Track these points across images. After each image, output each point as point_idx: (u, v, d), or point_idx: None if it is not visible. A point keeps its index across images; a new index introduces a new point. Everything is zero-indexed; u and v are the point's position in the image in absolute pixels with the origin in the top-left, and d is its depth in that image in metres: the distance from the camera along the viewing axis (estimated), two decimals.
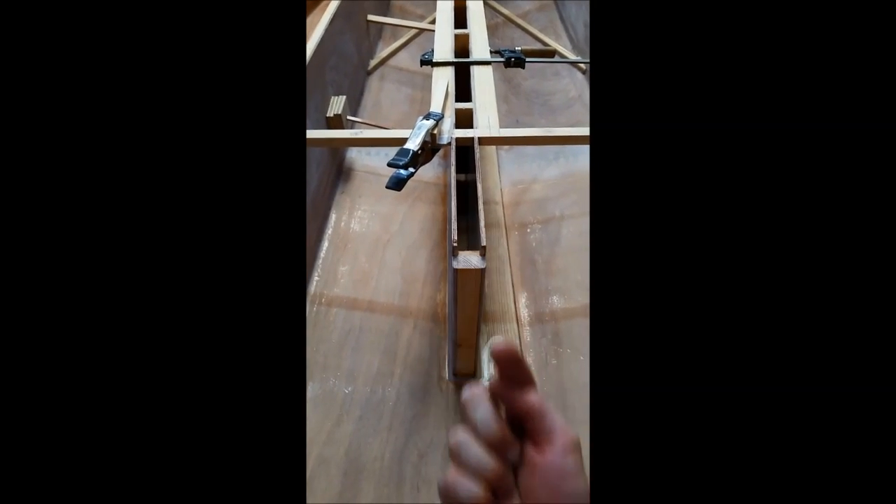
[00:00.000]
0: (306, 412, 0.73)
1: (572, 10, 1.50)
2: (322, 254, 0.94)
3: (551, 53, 1.18)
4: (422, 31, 1.34)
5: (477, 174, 0.66)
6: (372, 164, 1.14)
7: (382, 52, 1.38)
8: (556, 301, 0.89)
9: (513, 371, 0.30)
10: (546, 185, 1.13)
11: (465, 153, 0.75)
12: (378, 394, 0.76)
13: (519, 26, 1.48)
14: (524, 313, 0.89)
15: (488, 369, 0.87)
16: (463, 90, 0.88)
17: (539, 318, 0.87)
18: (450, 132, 0.71)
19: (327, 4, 1.15)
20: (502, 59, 0.94)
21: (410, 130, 0.71)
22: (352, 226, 1.00)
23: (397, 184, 0.62)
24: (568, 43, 1.51)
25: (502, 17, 1.55)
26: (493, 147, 1.19)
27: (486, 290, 0.88)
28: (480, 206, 0.62)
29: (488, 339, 0.84)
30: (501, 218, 1.05)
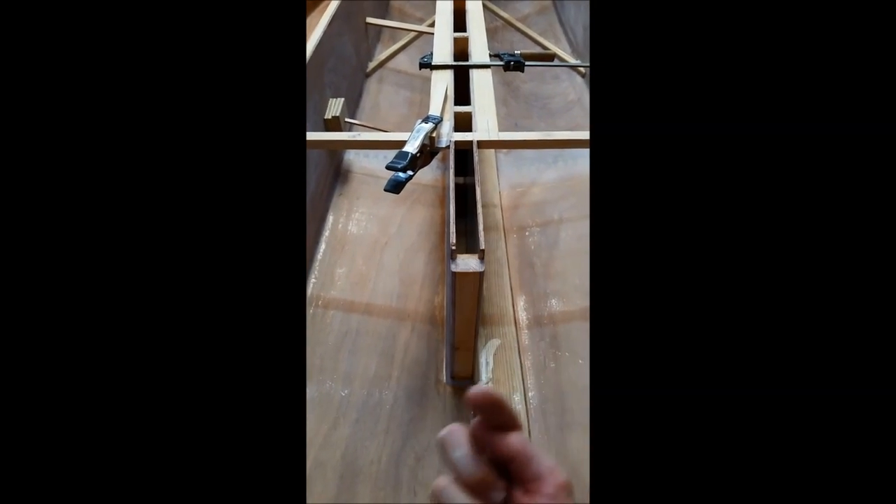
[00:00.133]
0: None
1: (571, 14, 1.51)
2: (319, 256, 0.93)
3: (550, 57, 1.18)
4: (420, 33, 1.35)
5: (476, 177, 0.66)
6: (370, 166, 1.14)
7: (381, 55, 1.38)
8: (555, 304, 0.89)
9: (495, 417, 0.28)
10: (545, 188, 1.14)
11: (464, 156, 0.75)
12: (375, 397, 0.75)
13: (518, 30, 1.49)
14: (522, 316, 0.89)
15: (486, 372, 0.86)
16: (462, 93, 0.88)
17: (537, 322, 0.87)
18: (448, 135, 0.71)
19: (326, 5, 1.15)
20: (501, 63, 0.94)
21: (409, 133, 0.71)
22: (349, 228, 1.00)
23: (395, 186, 0.62)
24: (567, 46, 1.51)
25: (501, 21, 1.56)
26: (492, 150, 1.19)
27: (485, 293, 0.88)
28: (479, 210, 0.62)
29: (486, 343, 0.84)
30: (500, 221, 1.05)
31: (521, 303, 0.91)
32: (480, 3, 1.20)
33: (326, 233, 0.97)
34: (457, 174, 0.69)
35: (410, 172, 0.62)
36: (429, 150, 0.67)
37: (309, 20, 1.28)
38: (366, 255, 0.96)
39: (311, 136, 0.72)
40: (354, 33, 1.27)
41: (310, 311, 0.85)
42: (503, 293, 0.91)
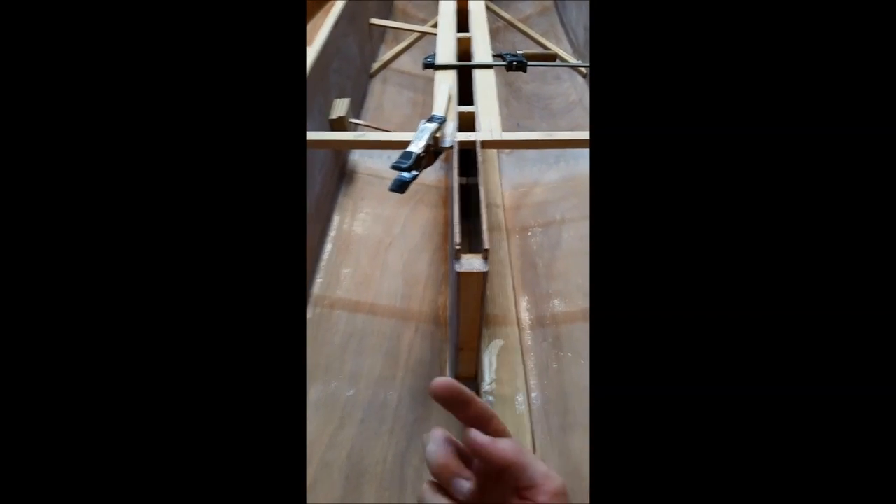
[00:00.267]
0: (308, 415, 0.73)
1: (573, 14, 1.51)
2: (325, 256, 0.94)
3: (552, 57, 1.18)
4: (424, 34, 1.35)
5: (479, 177, 0.66)
6: (374, 166, 1.14)
7: (385, 56, 1.38)
8: (557, 305, 0.89)
9: (462, 409, 0.28)
10: (547, 188, 1.14)
11: (467, 156, 0.75)
12: (380, 397, 0.76)
13: (520, 30, 1.49)
14: (525, 317, 0.89)
15: (490, 373, 0.86)
16: (465, 93, 0.89)
17: (540, 322, 0.87)
18: (452, 135, 0.71)
19: (331, 6, 1.15)
20: (504, 63, 0.94)
21: (413, 133, 0.71)
22: (354, 228, 1.00)
23: (400, 186, 0.62)
24: (569, 47, 1.51)
25: (503, 21, 1.56)
26: (495, 150, 1.19)
27: (488, 293, 0.88)
28: (483, 210, 0.62)
29: (489, 343, 0.85)
30: (502, 221, 1.06)
31: (523, 303, 0.91)
32: (483, 3, 1.20)
33: (332, 233, 0.97)
34: (460, 174, 0.69)
35: (415, 172, 0.63)
36: (433, 149, 0.68)
37: (314, 21, 1.29)
38: (370, 256, 0.96)
39: (317, 135, 0.73)
40: (359, 34, 1.27)
41: (316, 311, 0.86)
42: (506, 294, 0.91)
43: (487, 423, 0.29)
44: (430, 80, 1.47)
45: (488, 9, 1.42)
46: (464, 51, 1.00)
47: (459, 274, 0.58)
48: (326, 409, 0.74)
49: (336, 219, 1.00)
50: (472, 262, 0.58)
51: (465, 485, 0.27)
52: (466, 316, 0.65)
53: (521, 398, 0.76)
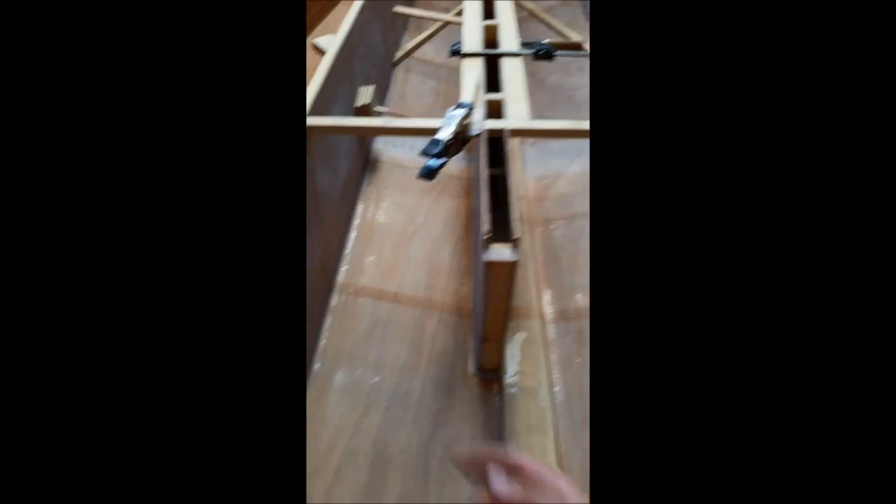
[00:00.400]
0: (334, 401, 0.73)
1: None
2: (350, 243, 0.94)
3: (578, 47, 1.16)
4: (447, 23, 1.33)
5: (508, 165, 0.65)
6: (398, 155, 1.14)
7: (408, 44, 1.37)
8: (581, 299, 0.88)
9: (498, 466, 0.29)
10: (570, 180, 1.12)
11: (494, 146, 0.74)
12: (404, 386, 0.76)
13: (543, 21, 1.46)
14: (548, 310, 0.88)
15: (513, 365, 0.85)
16: (490, 82, 0.87)
17: (563, 316, 0.86)
18: (480, 123, 0.70)
19: None
20: (532, 52, 0.93)
21: (439, 120, 0.70)
22: (378, 217, 1.00)
23: (429, 173, 0.61)
24: None
25: (526, 11, 1.53)
26: (517, 141, 1.17)
27: None
28: (512, 198, 0.61)
29: (512, 336, 0.84)
30: (525, 213, 1.04)
31: (546, 297, 0.90)
32: None
33: (357, 220, 0.97)
34: (479, 164, 0.68)
35: (444, 159, 0.62)
36: (461, 137, 0.67)
37: (339, 7, 1.28)
38: (394, 245, 0.96)
39: (345, 121, 0.72)
40: (383, 22, 1.26)
41: (341, 298, 0.86)
42: (528, 287, 0.90)
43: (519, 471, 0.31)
44: (453, 70, 1.46)
45: None
46: (489, 39, 0.99)
47: (488, 263, 0.57)
48: (352, 396, 0.74)
49: (360, 207, 1.00)
50: (501, 252, 0.57)
51: None
52: (494, 306, 0.64)
53: (544, 391, 0.75)
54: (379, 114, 0.98)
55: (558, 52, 0.95)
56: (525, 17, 1.60)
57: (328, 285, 0.87)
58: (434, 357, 0.80)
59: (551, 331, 0.85)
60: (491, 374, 0.78)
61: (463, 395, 0.76)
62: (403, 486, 0.66)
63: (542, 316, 0.86)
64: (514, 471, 0.30)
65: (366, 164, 1.09)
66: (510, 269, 0.58)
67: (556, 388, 0.77)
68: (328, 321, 0.83)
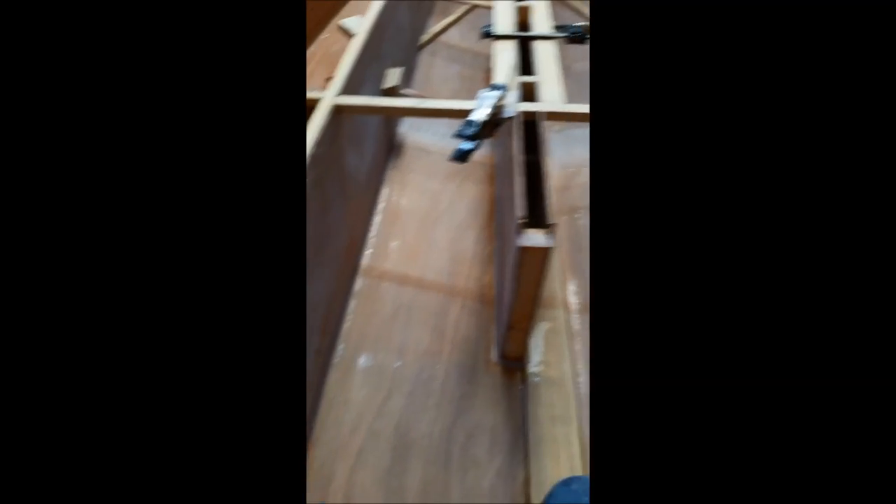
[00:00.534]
0: (357, 382, 0.73)
1: None
2: (375, 227, 0.93)
3: None
4: (474, 6, 1.31)
5: (542, 148, 0.63)
6: (422, 140, 1.12)
7: (434, 28, 1.35)
8: None
9: None
10: None
11: (527, 130, 0.72)
12: (427, 371, 0.75)
13: (570, 6, 1.42)
14: (573, 300, 0.86)
15: (537, 354, 0.84)
16: (521, 65, 0.85)
17: (588, 307, 0.85)
18: (515, 105, 0.68)
19: None
20: (566, 35, 0.90)
21: (470, 102, 0.68)
22: (402, 201, 0.99)
23: (461, 156, 0.60)
24: None
25: None
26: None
27: None
28: (547, 182, 0.59)
29: (537, 325, 0.83)
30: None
31: (571, 287, 0.88)
32: None
33: (382, 204, 0.96)
34: (511, 148, 0.67)
35: (477, 142, 0.60)
36: (494, 119, 0.65)
37: None
38: (417, 230, 0.95)
39: (374, 101, 0.71)
40: (409, 5, 1.24)
41: (365, 281, 0.85)
42: (553, 276, 0.88)
43: None
44: (478, 55, 1.43)
45: None
46: (522, 21, 0.96)
47: (522, 249, 0.56)
48: (375, 379, 0.73)
49: (385, 190, 0.99)
50: (536, 238, 0.56)
51: None
52: (524, 293, 0.63)
53: (568, 382, 0.74)
54: (406, 96, 0.97)
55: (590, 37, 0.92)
56: (553, 2, 1.57)
57: (353, 269, 0.86)
58: (457, 343, 0.80)
59: (576, 321, 0.83)
60: (514, 363, 0.77)
61: (486, 383, 0.75)
62: (425, 472, 0.66)
63: (566, 306, 0.85)
64: None
65: (391, 147, 1.08)
66: (544, 255, 0.57)
67: (580, 379, 0.76)
68: (352, 304, 0.82)
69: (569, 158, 1.14)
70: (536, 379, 0.75)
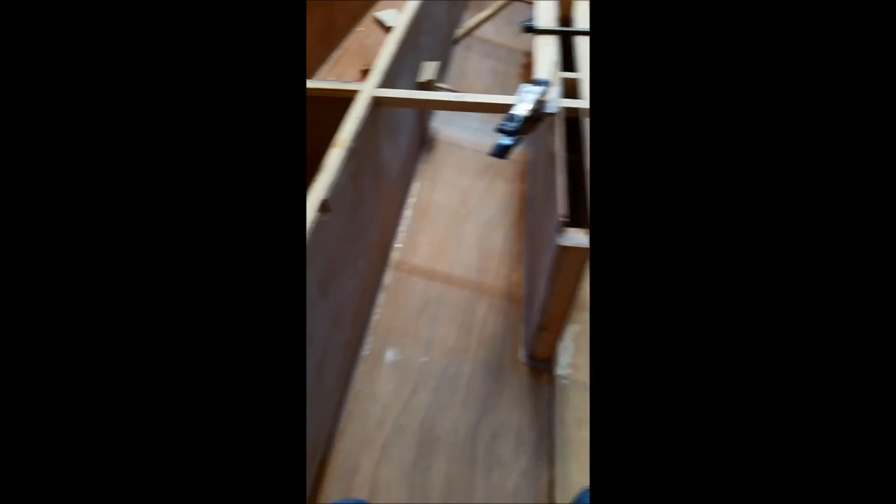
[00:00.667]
0: (384, 376, 0.73)
1: None
2: (405, 221, 0.93)
3: None
4: (511, 0, 1.29)
5: (584, 146, 0.62)
6: (454, 135, 1.11)
7: (469, 22, 1.33)
8: None
9: None
10: None
11: (569, 127, 0.71)
12: (453, 367, 0.74)
13: None
14: None
15: (566, 356, 0.82)
16: (563, 60, 0.83)
17: None
18: (557, 101, 0.67)
19: None
20: None
21: (510, 97, 0.67)
22: (433, 196, 0.98)
23: (502, 151, 0.59)
24: None
25: None
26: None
27: None
28: (589, 181, 0.58)
29: (567, 327, 0.81)
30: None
31: None
32: None
33: (413, 199, 0.96)
34: (546, 145, 0.65)
35: (517, 137, 0.59)
36: (536, 115, 0.64)
37: None
38: (447, 225, 0.94)
39: (412, 94, 0.70)
40: None
41: (394, 275, 0.85)
42: (584, 278, 0.87)
43: None
44: (513, 51, 1.41)
45: None
46: (564, 16, 0.94)
47: (562, 248, 0.54)
48: (402, 373, 0.73)
49: (416, 184, 0.98)
50: (576, 237, 0.54)
51: None
52: (559, 293, 0.61)
53: None
54: (441, 90, 0.96)
55: None
56: None
57: (383, 262, 0.86)
58: (484, 341, 0.79)
59: None
60: (542, 364, 0.76)
61: (512, 382, 0.74)
62: (450, 469, 0.65)
63: None
64: None
65: (423, 142, 1.07)
66: (584, 255, 0.55)
67: None
68: (381, 297, 0.82)
69: None
70: (564, 381, 0.74)
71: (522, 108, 0.61)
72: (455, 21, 1.35)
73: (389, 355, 0.75)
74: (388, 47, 0.78)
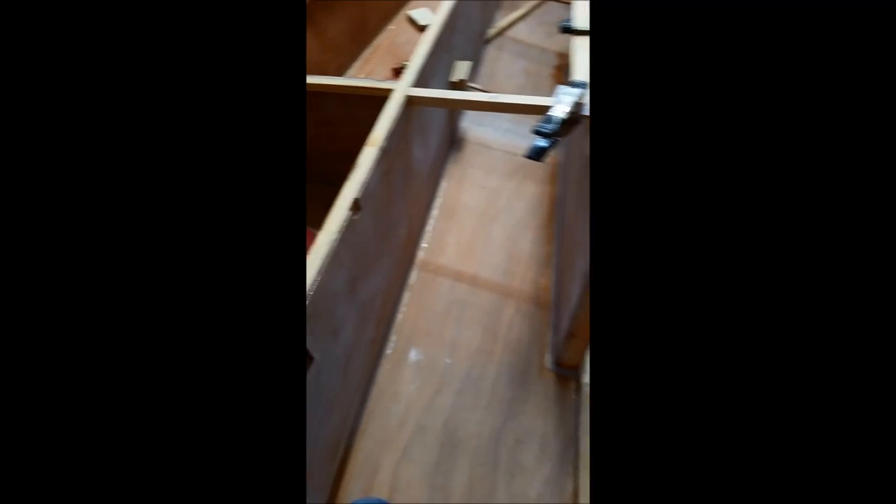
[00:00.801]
0: (407, 376, 0.73)
1: None
2: (432, 221, 0.93)
3: None
4: (545, 0, 1.27)
5: None
6: (483, 135, 1.11)
7: (501, 22, 1.32)
8: None
9: None
10: None
11: None
12: (477, 370, 0.74)
13: None
14: None
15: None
16: None
17: None
18: None
19: None
20: None
21: (546, 98, 0.66)
22: (460, 196, 0.98)
23: (537, 154, 0.58)
24: None
25: None
26: None
27: None
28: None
29: None
30: None
31: None
32: None
33: (440, 199, 0.96)
34: (578, 149, 0.64)
35: (553, 139, 0.58)
36: (574, 117, 0.62)
37: None
38: (474, 227, 0.93)
39: (446, 94, 0.70)
40: None
41: (420, 275, 0.85)
42: None
43: None
44: (546, 51, 1.40)
45: None
46: None
47: None
48: (425, 373, 0.73)
49: (444, 184, 0.98)
50: None
51: None
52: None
53: None
54: (473, 89, 0.95)
55: None
56: None
57: (409, 261, 0.86)
58: (509, 345, 0.78)
59: None
60: (569, 371, 0.74)
61: (538, 389, 0.73)
62: (472, 472, 0.65)
63: None
64: None
65: (452, 141, 1.07)
66: None
67: None
68: (406, 297, 0.82)
69: None
70: (588, 390, 0.72)
71: (560, 109, 0.60)
72: (488, 20, 1.34)
73: (413, 355, 0.75)
74: (423, 46, 0.78)
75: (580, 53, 0.75)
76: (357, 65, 1.24)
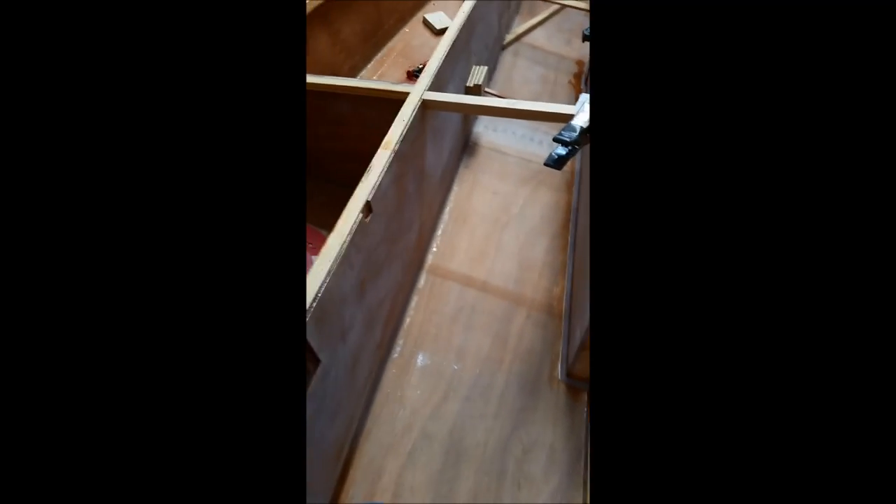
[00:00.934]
0: (414, 381, 0.72)
1: None
2: (442, 225, 0.92)
3: None
4: (563, 6, 1.26)
5: None
6: (497, 140, 1.10)
7: (519, 28, 1.31)
8: None
9: None
10: None
11: None
12: (486, 378, 0.73)
13: None
14: None
15: None
16: None
17: None
18: None
19: None
20: None
21: (567, 106, 0.65)
22: (472, 201, 0.97)
23: (556, 162, 0.57)
24: None
25: None
26: None
27: None
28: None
29: None
30: None
31: None
32: None
33: (451, 204, 0.95)
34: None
35: (574, 147, 0.57)
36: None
37: None
38: (486, 232, 0.92)
39: (463, 98, 0.69)
40: (499, 3, 1.22)
41: (429, 279, 0.84)
42: None
43: None
44: (564, 58, 1.39)
45: None
46: None
47: None
48: (432, 379, 0.72)
49: (456, 189, 0.97)
50: None
51: None
52: None
53: None
54: (489, 95, 0.94)
55: None
56: None
57: (419, 265, 0.85)
58: (519, 354, 0.77)
59: None
60: (582, 383, 0.73)
61: (548, 399, 0.72)
62: (477, 481, 0.64)
63: None
64: None
65: (465, 146, 1.06)
66: None
67: None
68: (414, 301, 0.81)
69: None
70: None
71: (581, 118, 0.59)
72: (505, 26, 1.34)
73: (420, 360, 0.74)
74: (440, 49, 0.78)
75: None
76: (370, 66, 1.24)
